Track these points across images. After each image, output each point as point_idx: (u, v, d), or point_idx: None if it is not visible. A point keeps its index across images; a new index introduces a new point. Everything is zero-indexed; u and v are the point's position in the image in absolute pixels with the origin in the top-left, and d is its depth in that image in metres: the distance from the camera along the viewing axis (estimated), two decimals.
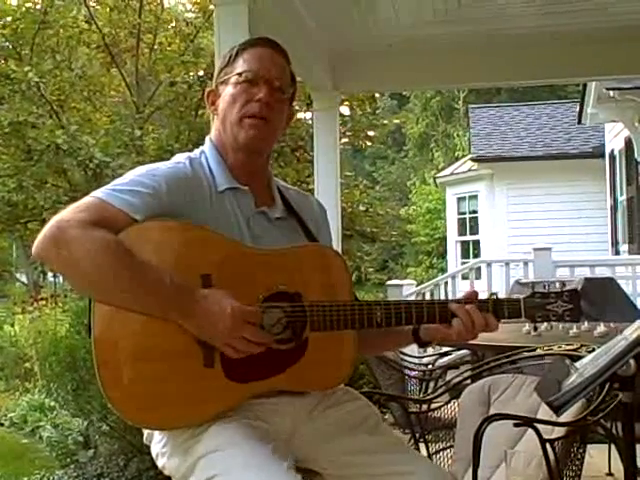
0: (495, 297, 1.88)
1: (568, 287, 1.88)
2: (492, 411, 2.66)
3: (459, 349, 5.43)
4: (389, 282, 9.46)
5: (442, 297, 8.23)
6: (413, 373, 4.50)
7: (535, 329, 4.21)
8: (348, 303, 1.81)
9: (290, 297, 1.77)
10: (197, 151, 1.94)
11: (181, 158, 1.89)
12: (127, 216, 1.68)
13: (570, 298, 1.87)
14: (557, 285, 1.89)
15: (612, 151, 12.27)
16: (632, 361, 1.53)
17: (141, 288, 1.64)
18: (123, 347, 1.67)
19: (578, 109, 12.24)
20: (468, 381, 3.01)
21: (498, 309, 1.86)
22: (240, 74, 1.88)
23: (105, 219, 1.65)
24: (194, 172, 1.85)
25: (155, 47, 12.42)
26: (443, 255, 18.50)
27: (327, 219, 2.12)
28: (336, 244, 4.04)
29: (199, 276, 1.70)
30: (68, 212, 1.66)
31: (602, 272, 8.48)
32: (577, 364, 1.61)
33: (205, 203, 1.81)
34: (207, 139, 1.96)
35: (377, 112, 16.71)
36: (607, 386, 2.17)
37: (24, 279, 18.05)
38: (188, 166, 1.86)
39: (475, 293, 1.90)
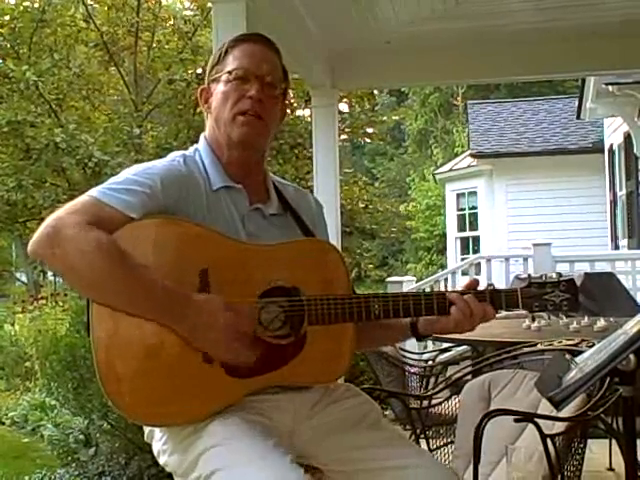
0: (492, 287, 1.89)
1: (565, 277, 1.89)
2: (492, 407, 2.66)
3: (459, 345, 5.42)
4: (389, 279, 9.47)
5: None
6: (413, 369, 4.51)
7: (533, 319, 4.22)
8: (345, 296, 1.82)
9: (287, 292, 1.78)
10: (191, 149, 1.94)
11: (176, 156, 1.90)
12: (123, 215, 1.68)
13: (567, 288, 1.88)
14: (554, 276, 1.89)
15: (611, 146, 12.27)
16: (632, 356, 1.52)
17: (134, 291, 1.64)
18: (121, 345, 1.67)
19: (577, 104, 12.24)
20: (468, 377, 3.02)
21: (495, 299, 1.87)
22: (231, 72, 1.88)
23: (101, 218, 1.65)
24: (189, 170, 1.85)
25: (153, 45, 12.41)
26: (443, 251, 18.51)
27: (324, 216, 2.12)
28: (336, 241, 4.05)
29: (196, 273, 1.70)
30: (63, 211, 1.66)
31: (602, 267, 8.49)
32: (577, 359, 1.61)
33: (200, 201, 1.82)
34: (201, 137, 1.97)
35: (376, 109, 16.73)
36: (607, 381, 2.17)
37: (24, 278, 18.03)
38: (183, 164, 1.86)
39: (476, 282, 1.91)
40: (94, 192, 1.72)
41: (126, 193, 1.71)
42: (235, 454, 1.66)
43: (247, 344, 1.70)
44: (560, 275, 1.90)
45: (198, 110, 11.24)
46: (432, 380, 4.34)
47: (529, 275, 1.91)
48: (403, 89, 25.12)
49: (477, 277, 8.89)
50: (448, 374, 3.95)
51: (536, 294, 1.88)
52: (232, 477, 1.64)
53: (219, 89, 1.89)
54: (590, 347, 1.72)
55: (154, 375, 1.68)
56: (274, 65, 1.92)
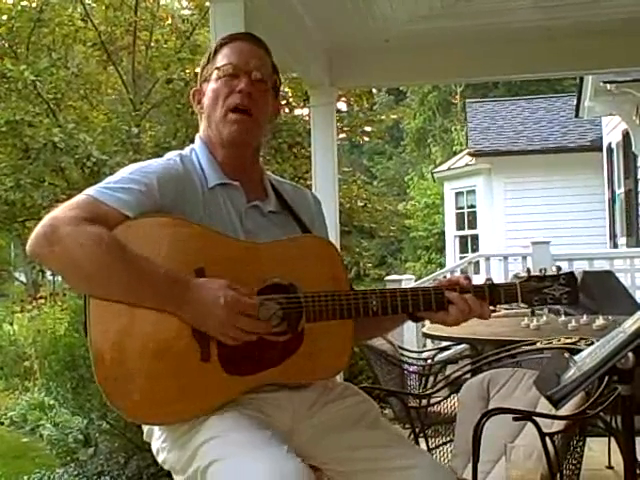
0: (490, 282, 1.89)
1: (564, 271, 1.89)
2: (491, 405, 2.67)
3: (458, 343, 5.43)
4: (388, 277, 9.47)
5: None
6: (412, 368, 4.51)
7: (532, 313, 4.23)
8: (343, 293, 1.82)
9: (285, 289, 1.78)
10: (187, 149, 1.96)
11: (172, 155, 1.91)
12: (119, 213, 1.69)
13: (567, 281, 1.88)
14: (553, 269, 1.89)
15: (609, 144, 12.27)
16: (631, 354, 1.53)
17: (135, 280, 1.65)
18: (119, 344, 1.67)
19: (575, 103, 12.23)
20: (467, 376, 3.02)
21: (494, 294, 1.87)
22: (219, 68, 1.90)
23: (97, 216, 1.66)
24: (185, 169, 1.86)
25: (151, 44, 12.37)
26: (441, 250, 18.51)
27: (322, 212, 2.13)
28: (334, 240, 4.03)
29: (193, 271, 1.71)
30: (60, 210, 1.67)
31: (600, 265, 8.50)
32: (576, 357, 1.61)
33: (197, 199, 1.82)
34: (197, 137, 1.98)
35: (374, 107, 16.73)
36: (606, 379, 2.17)
37: (23, 278, 18.01)
38: (179, 163, 1.87)
39: (467, 279, 1.90)
40: (90, 191, 1.72)
41: (122, 192, 1.71)
42: (232, 445, 1.66)
43: (250, 322, 1.69)
44: (559, 269, 1.90)
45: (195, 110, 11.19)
46: (431, 379, 4.34)
47: (528, 269, 1.91)
48: (401, 88, 25.11)
49: (476, 276, 8.90)
50: (447, 373, 3.96)
51: (535, 288, 1.88)
52: (229, 467, 1.64)
53: (210, 87, 1.92)
54: (589, 345, 1.72)
55: (152, 375, 1.68)
56: (263, 61, 1.94)
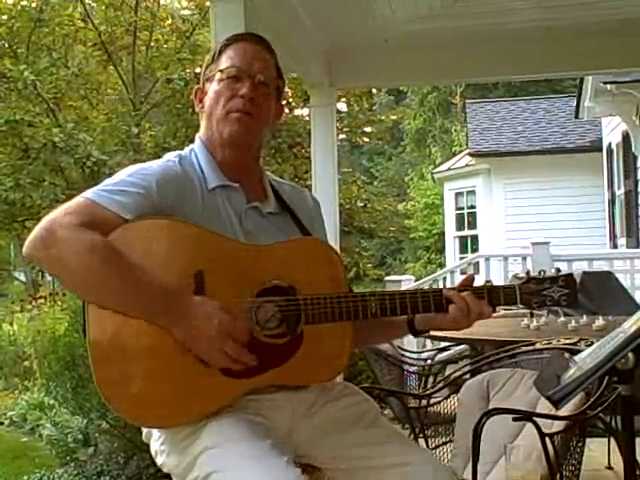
0: (490, 284, 1.89)
1: (563, 273, 1.89)
2: (491, 405, 2.66)
3: (458, 344, 5.43)
4: (387, 278, 9.47)
5: None
6: (412, 368, 4.51)
7: (532, 315, 4.24)
8: (342, 295, 1.81)
9: (284, 291, 1.77)
10: (187, 149, 1.95)
11: (171, 156, 1.90)
12: (117, 216, 1.68)
13: (566, 283, 1.88)
14: (553, 271, 1.89)
15: (609, 145, 12.27)
16: (631, 354, 1.53)
17: (129, 292, 1.64)
18: (118, 346, 1.67)
19: (575, 103, 12.24)
20: (467, 376, 3.02)
21: (493, 295, 1.87)
22: (223, 70, 1.89)
23: (95, 219, 1.66)
24: (184, 170, 1.85)
25: (151, 44, 12.38)
26: (441, 250, 18.51)
27: (321, 213, 2.12)
28: (334, 240, 4.04)
29: (191, 275, 1.70)
30: (58, 213, 1.66)
31: (600, 266, 8.50)
32: (576, 358, 1.61)
33: (196, 201, 1.82)
34: (197, 137, 1.97)
35: (374, 108, 16.73)
36: (606, 379, 2.17)
37: (22, 278, 18.01)
38: (178, 164, 1.86)
39: (471, 278, 1.91)
40: (88, 194, 1.72)
41: (120, 194, 1.71)
42: (231, 456, 1.66)
43: (242, 348, 1.68)
44: (559, 270, 1.90)
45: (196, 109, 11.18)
46: (431, 379, 4.34)
47: (528, 271, 1.91)
48: (401, 88, 25.12)
49: (476, 276, 8.90)
50: (447, 373, 3.96)
51: (535, 290, 1.88)
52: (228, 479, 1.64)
53: (212, 88, 1.90)
54: (589, 346, 1.72)
55: (151, 377, 1.68)
56: (267, 63, 1.93)
